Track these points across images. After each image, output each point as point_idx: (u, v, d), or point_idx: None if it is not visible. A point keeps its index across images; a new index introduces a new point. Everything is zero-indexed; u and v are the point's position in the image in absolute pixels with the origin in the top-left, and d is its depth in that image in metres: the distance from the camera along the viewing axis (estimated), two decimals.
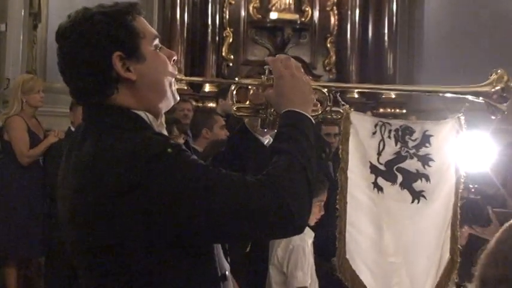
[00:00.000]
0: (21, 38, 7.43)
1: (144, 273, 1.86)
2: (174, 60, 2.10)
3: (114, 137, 1.88)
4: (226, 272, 2.08)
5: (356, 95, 11.10)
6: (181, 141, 5.54)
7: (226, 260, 2.11)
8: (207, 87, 10.07)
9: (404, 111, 11.20)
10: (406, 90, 2.89)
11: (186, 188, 1.79)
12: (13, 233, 6.26)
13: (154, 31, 2.05)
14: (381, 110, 11.06)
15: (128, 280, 1.87)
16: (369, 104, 10.85)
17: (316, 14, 11.70)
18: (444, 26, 11.33)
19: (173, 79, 2.08)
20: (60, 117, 7.55)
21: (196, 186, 1.79)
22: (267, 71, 2.22)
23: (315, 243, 5.55)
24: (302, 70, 2.17)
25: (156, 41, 2.04)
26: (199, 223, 1.80)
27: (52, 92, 7.65)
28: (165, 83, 2.04)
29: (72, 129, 6.58)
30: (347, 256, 2.43)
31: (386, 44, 11.50)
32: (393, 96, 11.28)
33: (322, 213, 5.62)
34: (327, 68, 11.72)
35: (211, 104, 9.62)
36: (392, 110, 11.21)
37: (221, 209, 1.80)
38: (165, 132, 2.07)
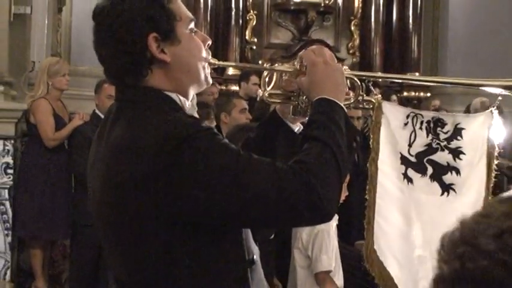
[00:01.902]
0: (46, 21, 7.45)
1: (170, 255, 1.87)
2: (208, 44, 2.10)
3: (146, 118, 1.88)
4: (255, 256, 2.09)
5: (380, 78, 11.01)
6: (213, 124, 5.54)
7: (256, 244, 2.11)
8: (230, 71, 10.06)
9: (428, 94, 11.14)
10: (440, 82, 2.85)
11: (217, 171, 1.79)
12: (38, 215, 6.31)
13: (190, 14, 2.06)
14: (405, 94, 11.01)
15: (155, 262, 1.88)
16: (393, 87, 10.81)
17: None
18: (470, 7, 11.23)
19: (206, 63, 2.08)
20: (84, 100, 7.58)
21: (227, 169, 1.80)
22: (298, 58, 2.21)
23: (339, 226, 5.55)
24: (335, 59, 2.16)
25: (192, 25, 2.04)
26: (229, 207, 1.80)
27: (77, 75, 7.68)
28: (199, 66, 2.05)
29: (97, 112, 6.60)
30: (375, 247, 2.42)
31: (410, 26, 11.43)
32: (420, 76, 11.20)
33: (346, 194, 5.60)
34: (351, 51, 11.67)
35: (234, 87, 9.61)
36: (417, 94, 11.15)
37: (252, 194, 1.80)
38: (196, 115, 2.08)
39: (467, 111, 7.96)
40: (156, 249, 1.87)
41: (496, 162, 2.48)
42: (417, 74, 11.21)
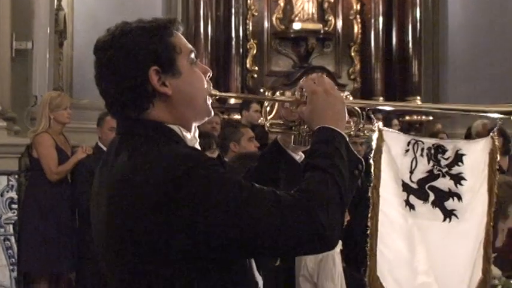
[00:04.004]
0: (48, 55, 7.49)
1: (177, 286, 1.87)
2: (209, 75, 2.12)
3: (148, 151, 1.89)
4: (259, 286, 2.09)
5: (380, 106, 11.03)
6: (215, 155, 5.54)
7: (259, 273, 2.11)
8: (232, 100, 10.09)
9: (430, 118, 11.14)
10: (439, 108, 2.86)
11: (219, 203, 1.79)
12: (43, 249, 6.30)
13: (190, 46, 2.07)
14: (407, 118, 11.02)
15: None
16: (395, 111, 10.83)
17: (340, 23, 11.69)
18: (469, 31, 11.27)
19: (208, 95, 2.09)
20: (87, 133, 7.61)
21: (228, 200, 1.80)
22: (298, 88, 2.22)
23: (343, 251, 5.54)
24: (336, 87, 2.17)
25: (192, 55, 2.05)
26: (231, 237, 1.80)
27: (79, 109, 7.72)
28: (200, 98, 2.06)
29: (100, 144, 6.62)
30: (378, 274, 2.41)
31: (410, 51, 11.47)
32: (419, 103, 11.22)
33: (348, 218, 5.60)
34: (352, 77, 11.71)
35: (236, 116, 9.64)
36: (419, 118, 11.16)
37: (253, 224, 1.80)
38: (198, 147, 2.08)
39: (469, 133, 7.97)
40: (158, 284, 1.87)
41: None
42: (418, 98, 11.23)
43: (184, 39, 2.07)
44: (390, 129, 2.46)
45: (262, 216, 1.80)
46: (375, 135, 2.37)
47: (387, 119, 8.53)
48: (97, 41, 2.02)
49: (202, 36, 10.45)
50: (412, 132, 9.46)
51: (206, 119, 2.13)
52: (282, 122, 2.36)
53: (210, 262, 1.86)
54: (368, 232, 2.44)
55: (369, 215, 2.43)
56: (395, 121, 9.42)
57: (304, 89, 2.18)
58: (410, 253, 2.43)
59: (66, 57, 9.05)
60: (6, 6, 6.60)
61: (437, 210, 2.43)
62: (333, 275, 5.33)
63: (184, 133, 2.02)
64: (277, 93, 2.53)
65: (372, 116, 2.32)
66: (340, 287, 5.44)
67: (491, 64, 10.73)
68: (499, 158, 2.50)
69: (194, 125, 2.08)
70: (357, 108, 2.30)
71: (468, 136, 8.51)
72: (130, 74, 1.95)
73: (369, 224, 2.44)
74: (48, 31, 7.53)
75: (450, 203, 2.43)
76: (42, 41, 7.31)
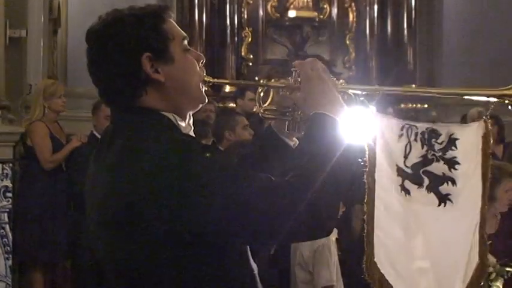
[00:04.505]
0: (42, 43, 7.47)
1: (175, 274, 1.88)
2: (202, 62, 2.11)
3: (143, 138, 1.89)
4: (254, 272, 2.09)
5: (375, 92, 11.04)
6: (209, 142, 5.54)
7: (254, 261, 2.12)
8: (227, 88, 10.07)
9: (426, 105, 11.14)
10: (432, 92, 2.85)
11: (214, 189, 1.79)
12: (38, 237, 6.31)
13: (182, 32, 2.06)
14: (402, 105, 11.01)
15: (158, 283, 1.88)
16: (390, 99, 10.81)
17: (335, 11, 11.67)
18: (464, 17, 11.26)
19: (201, 81, 2.09)
20: (82, 121, 7.60)
21: (224, 186, 1.80)
22: (293, 74, 2.22)
23: (339, 240, 5.56)
24: (329, 72, 2.17)
25: (185, 42, 2.05)
26: (227, 223, 1.81)
27: (73, 97, 7.70)
28: (193, 85, 2.05)
29: (95, 133, 6.62)
30: (375, 259, 2.42)
31: (405, 38, 11.45)
32: (414, 87, 11.21)
33: (343, 209, 5.61)
34: (347, 65, 11.69)
35: (231, 104, 9.63)
36: (414, 105, 11.16)
37: (250, 210, 1.80)
38: (192, 134, 2.08)
39: (464, 121, 7.97)
40: (157, 270, 1.87)
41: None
42: (413, 85, 11.22)
43: (176, 25, 2.07)
44: (383, 114, 2.45)
45: (258, 201, 1.81)
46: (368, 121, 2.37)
47: (382, 107, 8.52)
48: (89, 29, 2.02)
49: (197, 24, 10.43)
50: (407, 120, 9.43)
51: (200, 106, 2.13)
52: (275, 108, 2.36)
53: (205, 248, 1.86)
54: (364, 217, 2.44)
55: (365, 201, 2.44)
56: (390, 109, 9.41)
57: (298, 75, 2.18)
58: (406, 238, 2.43)
59: (60, 45, 9.02)
60: None
61: (432, 195, 2.43)
62: (328, 262, 5.34)
63: (178, 121, 2.01)
64: (272, 80, 2.52)
65: (365, 101, 2.31)
66: (335, 275, 5.46)
67: (486, 51, 10.73)
68: (492, 143, 2.49)
69: (188, 112, 2.08)
70: (350, 94, 2.30)
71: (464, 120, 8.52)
72: (123, 61, 1.95)
73: (364, 209, 2.44)
74: (43, 19, 7.52)
75: (445, 188, 2.43)
76: (36, 29, 7.30)
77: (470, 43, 11.00)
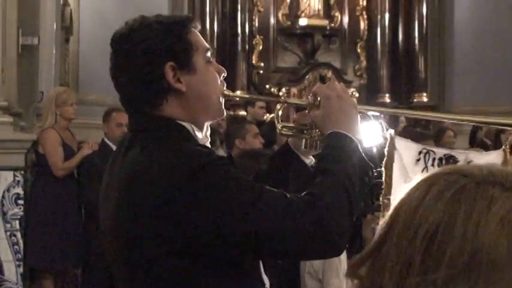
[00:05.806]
0: (54, 51, 7.49)
1: (187, 287, 1.88)
2: (223, 75, 2.11)
3: (159, 147, 1.89)
4: (266, 286, 2.08)
5: (388, 100, 11.05)
6: (221, 152, 5.53)
7: (266, 274, 2.11)
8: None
9: None
10: (453, 119, 2.83)
11: (228, 202, 1.80)
12: (49, 245, 6.31)
13: (206, 44, 2.06)
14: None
15: None
16: (401, 108, 10.80)
17: (346, 19, 11.70)
18: (475, 27, 11.25)
19: (221, 94, 2.09)
20: (93, 129, 7.60)
21: (238, 200, 1.80)
22: (311, 93, 2.21)
23: (349, 248, 5.54)
24: (348, 92, 2.16)
25: (208, 54, 2.05)
26: (240, 239, 1.81)
27: (85, 104, 7.71)
28: (213, 97, 2.05)
29: (106, 140, 6.62)
30: None
31: (417, 47, 11.46)
32: (425, 100, 11.22)
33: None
34: (358, 74, 11.70)
35: (242, 112, 9.64)
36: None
37: (264, 226, 1.80)
38: (209, 145, 2.09)
39: (475, 129, 7.94)
40: (168, 279, 1.87)
41: None
42: (424, 94, 11.22)
43: (201, 37, 2.07)
44: (401, 138, 2.44)
45: (272, 218, 1.80)
46: (386, 143, 2.35)
47: (394, 116, 8.50)
48: (114, 33, 2.02)
49: (208, 32, 10.45)
50: (419, 128, 9.43)
51: (218, 118, 2.14)
52: (293, 125, 2.35)
53: (217, 262, 1.86)
54: (373, 226, 2.43)
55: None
56: (402, 118, 9.39)
57: (317, 94, 2.17)
58: None
59: (72, 53, 9.04)
60: (13, 2, 6.61)
61: None
62: (338, 271, 5.32)
63: (196, 131, 2.01)
64: (283, 89, 2.52)
65: (384, 124, 2.30)
66: (345, 283, 5.44)
67: (498, 60, 10.70)
68: None
69: (206, 124, 2.08)
70: (369, 114, 2.29)
71: (475, 132, 8.48)
72: (147, 68, 1.95)
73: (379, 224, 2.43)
74: (55, 27, 7.53)
75: None
76: (49, 36, 7.31)
77: (482, 52, 10.97)
